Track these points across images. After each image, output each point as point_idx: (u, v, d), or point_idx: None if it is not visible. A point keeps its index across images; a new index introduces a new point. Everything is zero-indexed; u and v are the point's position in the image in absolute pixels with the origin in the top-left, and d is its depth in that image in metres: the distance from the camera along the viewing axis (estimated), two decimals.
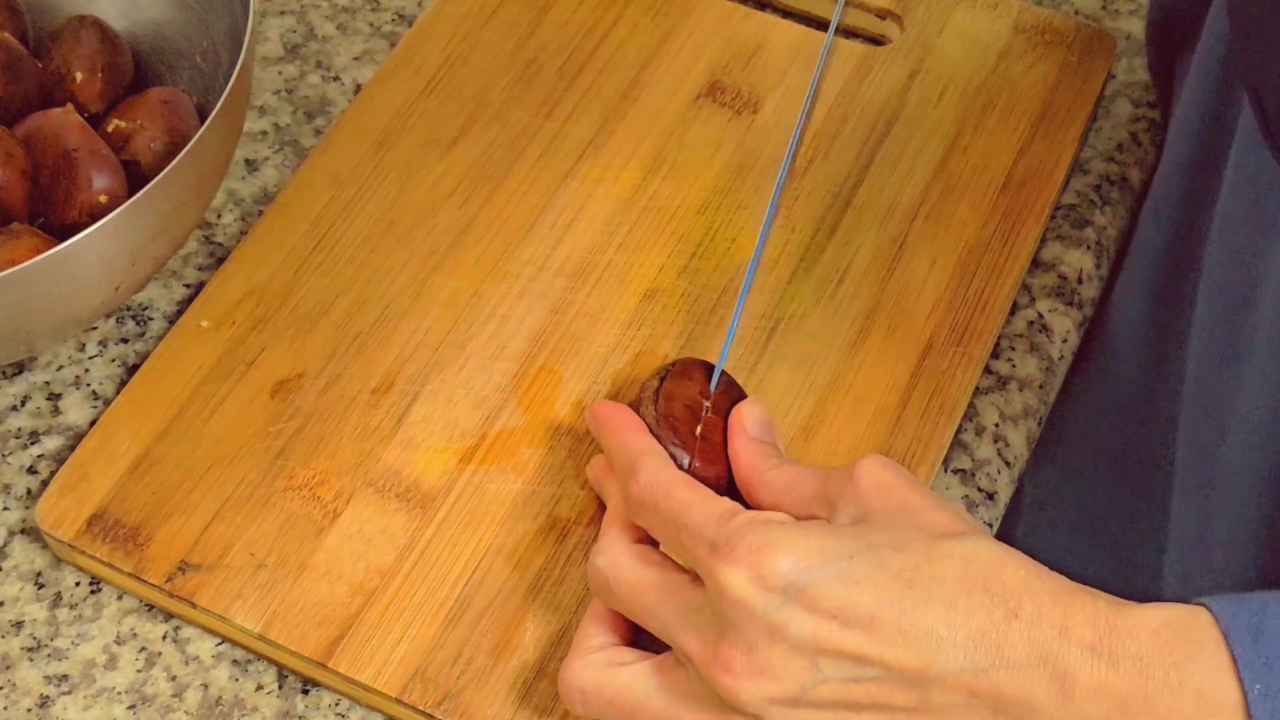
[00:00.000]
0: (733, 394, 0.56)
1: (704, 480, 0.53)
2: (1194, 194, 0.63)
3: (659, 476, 0.51)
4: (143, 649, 0.56)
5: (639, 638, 0.52)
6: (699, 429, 0.54)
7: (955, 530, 0.47)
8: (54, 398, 0.62)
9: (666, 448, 0.53)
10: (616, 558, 0.51)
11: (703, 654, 0.47)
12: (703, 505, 0.49)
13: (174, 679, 0.55)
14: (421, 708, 0.53)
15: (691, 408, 0.55)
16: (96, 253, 0.55)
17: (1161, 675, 0.43)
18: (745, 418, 0.54)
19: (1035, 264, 0.66)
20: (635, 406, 0.55)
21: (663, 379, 0.56)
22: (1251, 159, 0.55)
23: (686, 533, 0.48)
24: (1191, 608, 0.44)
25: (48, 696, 0.55)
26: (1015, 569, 0.46)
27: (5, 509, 0.59)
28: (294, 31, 0.73)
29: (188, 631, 0.56)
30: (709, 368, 0.57)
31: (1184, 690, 0.43)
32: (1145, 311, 0.67)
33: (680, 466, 0.53)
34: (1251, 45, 0.53)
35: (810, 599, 0.45)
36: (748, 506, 0.50)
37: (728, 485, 0.54)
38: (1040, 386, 0.63)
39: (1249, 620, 0.43)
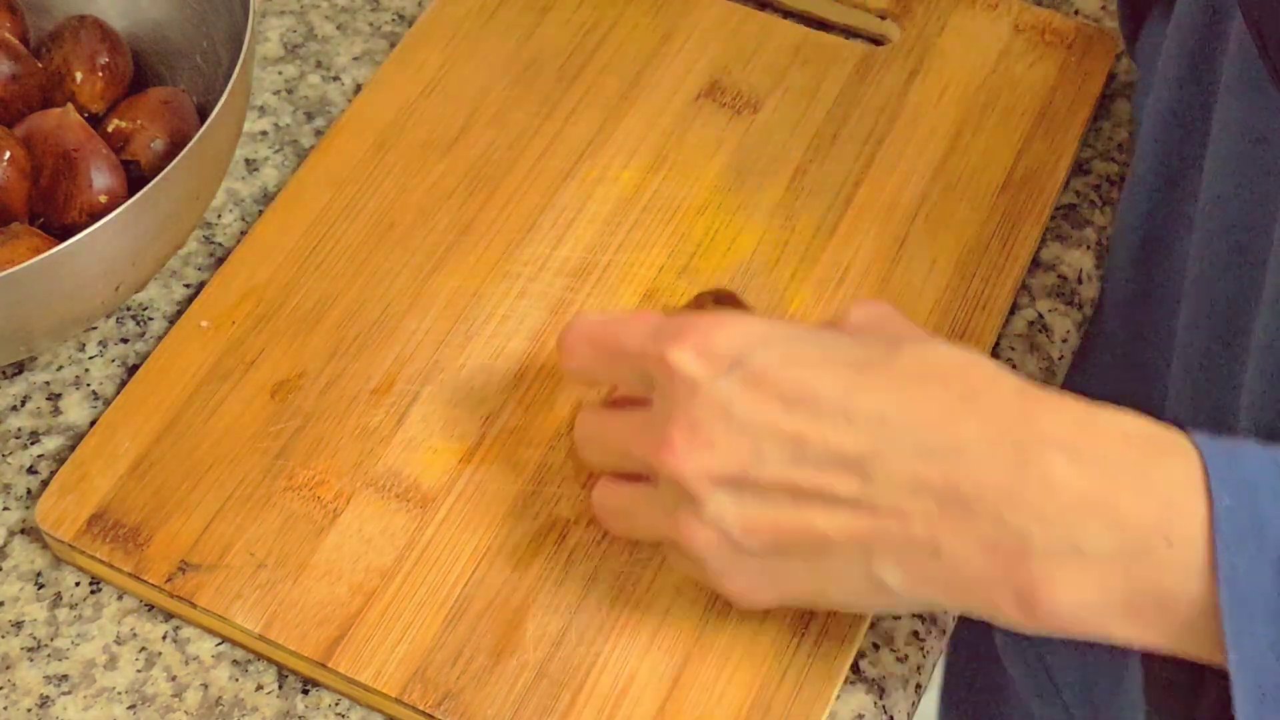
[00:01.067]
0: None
1: None
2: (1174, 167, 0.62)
3: (592, 314, 0.52)
4: (143, 649, 0.56)
5: None
6: None
7: (922, 335, 0.46)
8: (54, 398, 0.62)
9: None
10: (584, 417, 0.53)
11: (646, 443, 0.47)
12: (640, 315, 0.50)
13: (174, 679, 0.55)
14: (421, 708, 0.53)
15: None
16: (96, 253, 0.55)
17: (1128, 478, 0.41)
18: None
19: (1035, 264, 0.66)
20: None
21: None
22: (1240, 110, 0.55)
23: (627, 341, 0.49)
24: (1167, 426, 0.43)
25: (48, 696, 0.55)
26: (982, 368, 0.44)
27: (5, 509, 0.59)
28: (294, 31, 0.73)
29: (188, 631, 0.56)
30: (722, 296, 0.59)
31: (1149, 495, 0.41)
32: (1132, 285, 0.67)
33: None
34: None
35: (754, 374, 0.45)
36: None
37: None
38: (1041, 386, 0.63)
39: (1225, 445, 0.42)
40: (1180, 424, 0.43)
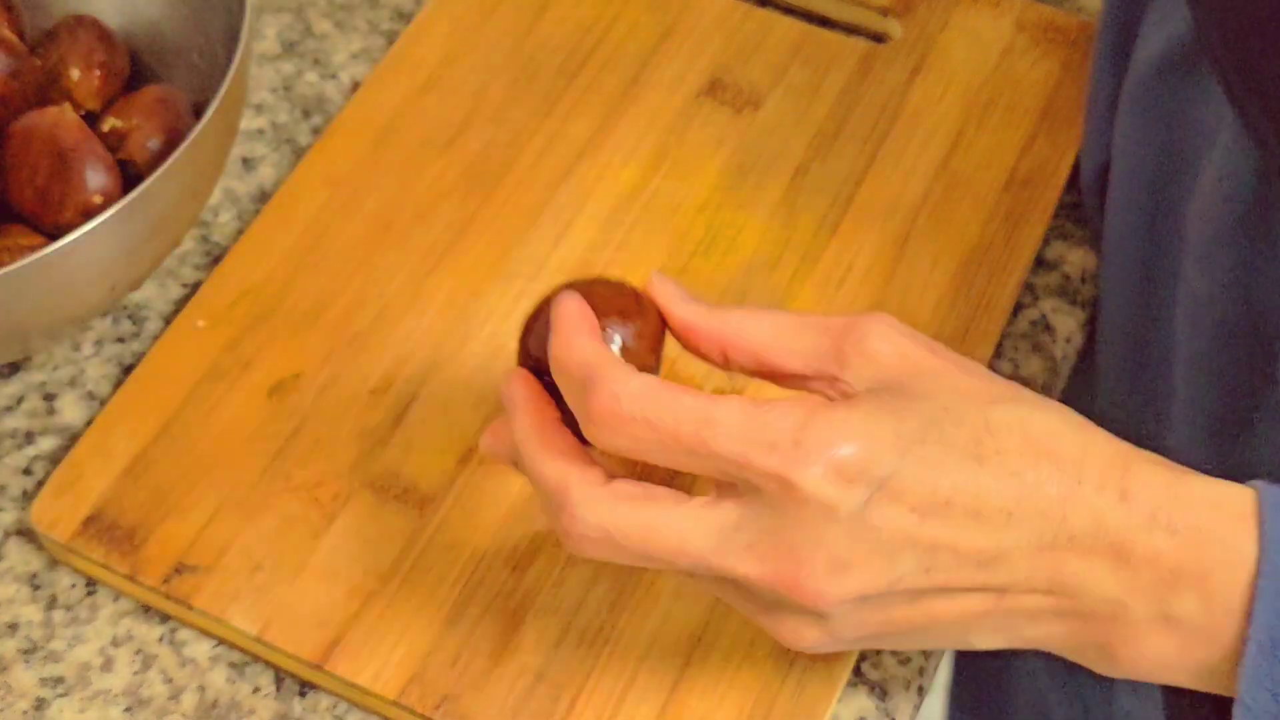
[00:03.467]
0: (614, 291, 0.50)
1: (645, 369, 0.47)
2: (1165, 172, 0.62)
3: (648, 386, 0.44)
4: (139, 651, 0.56)
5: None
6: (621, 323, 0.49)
7: (998, 395, 0.45)
8: (49, 398, 0.62)
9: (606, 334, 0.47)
10: (606, 507, 0.44)
11: (765, 570, 0.43)
12: (721, 406, 0.43)
13: (170, 681, 0.55)
14: (420, 710, 0.53)
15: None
16: (92, 252, 0.54)
17: (1219, 550, 0.43)
18: (670, 287, 0.49)
19: (1039, 263, 0.66)
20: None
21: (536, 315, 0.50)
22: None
23: (716, 441, 0.43)
24: (1244, 487, 0.44)
25: (43, 699, 0.55)
26: (1073, 432, 0.44)
27: (0, 510, 0.59)
28: (291, 29, 0.73)
29: (184, 633, 0.56)
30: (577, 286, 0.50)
31: (1239, 568, 0.43)
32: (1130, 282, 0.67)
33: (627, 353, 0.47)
34: (1214, 23, 0.53)
35: (893, 491, 0.43)
36: None
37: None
38: (1044, 386, 0.62)
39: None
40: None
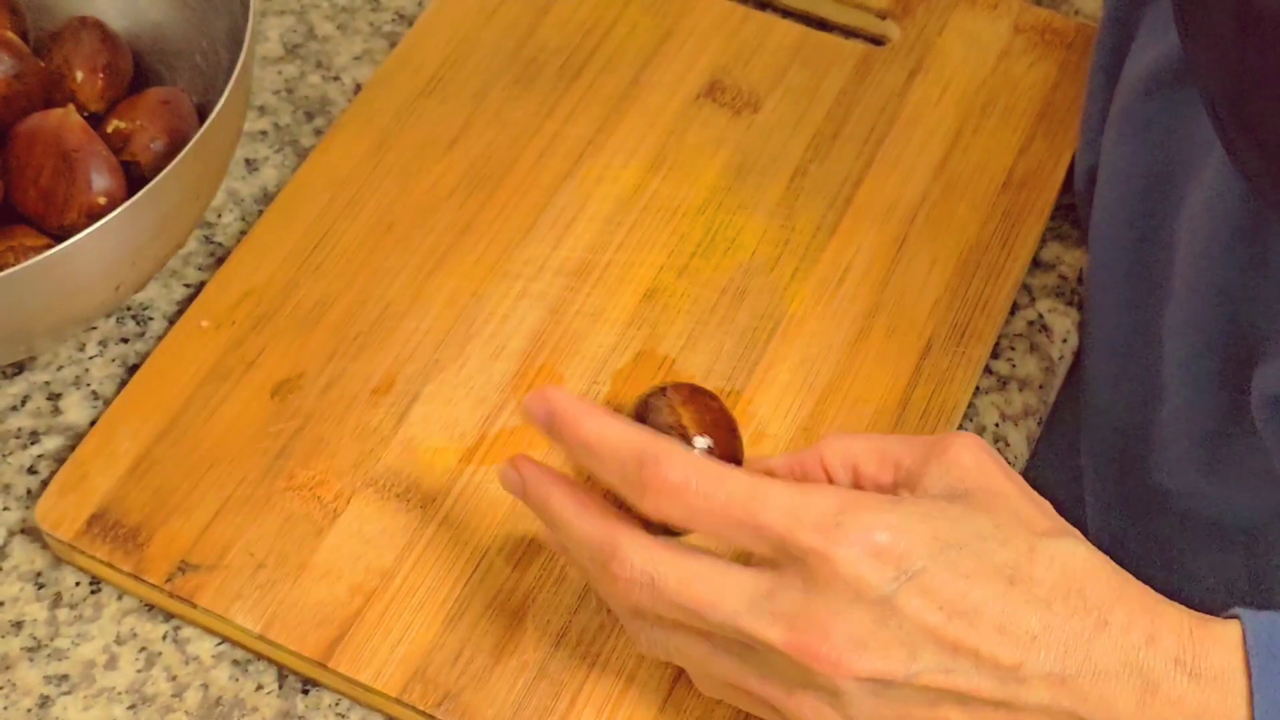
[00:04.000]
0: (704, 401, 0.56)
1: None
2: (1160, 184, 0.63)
3: (700, 462, 0.47)
4: (143, 649, 0.56)
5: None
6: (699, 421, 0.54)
7: (1050, 529, 0.47)
8: (54, 397, 0.62)
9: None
10: (651, 554, 0.47)
11: (791, 639, 0.45)
12: (773, 486, 0.46)
13: (174, 679, 0.55)
14: (421, 708, 0.53)
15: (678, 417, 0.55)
16: (96, 253, 0.55)
17: (1243, 686, 0.44)
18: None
19: (1035, 264, 0.66)
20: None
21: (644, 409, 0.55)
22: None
23: (765, 517, 0.46)
24: (1269, 619, 0.45)
25: (48, 696, 0.55)
26: (1108, 576, 0.46)
27: (5, 509, 0.59)
28: (294, 31, 0.73)
29: (188, 631, 0.56)
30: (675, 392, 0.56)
31: (1269, 707, 0.44)
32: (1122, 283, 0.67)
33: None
34: (1205, 53, 0.53)
35: (923, 585, 0.45)
36: None
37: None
38: (1040, 386, 0.63)
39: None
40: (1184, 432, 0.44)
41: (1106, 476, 0.69)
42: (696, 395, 0.55)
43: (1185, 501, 0.63)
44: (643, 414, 0.55)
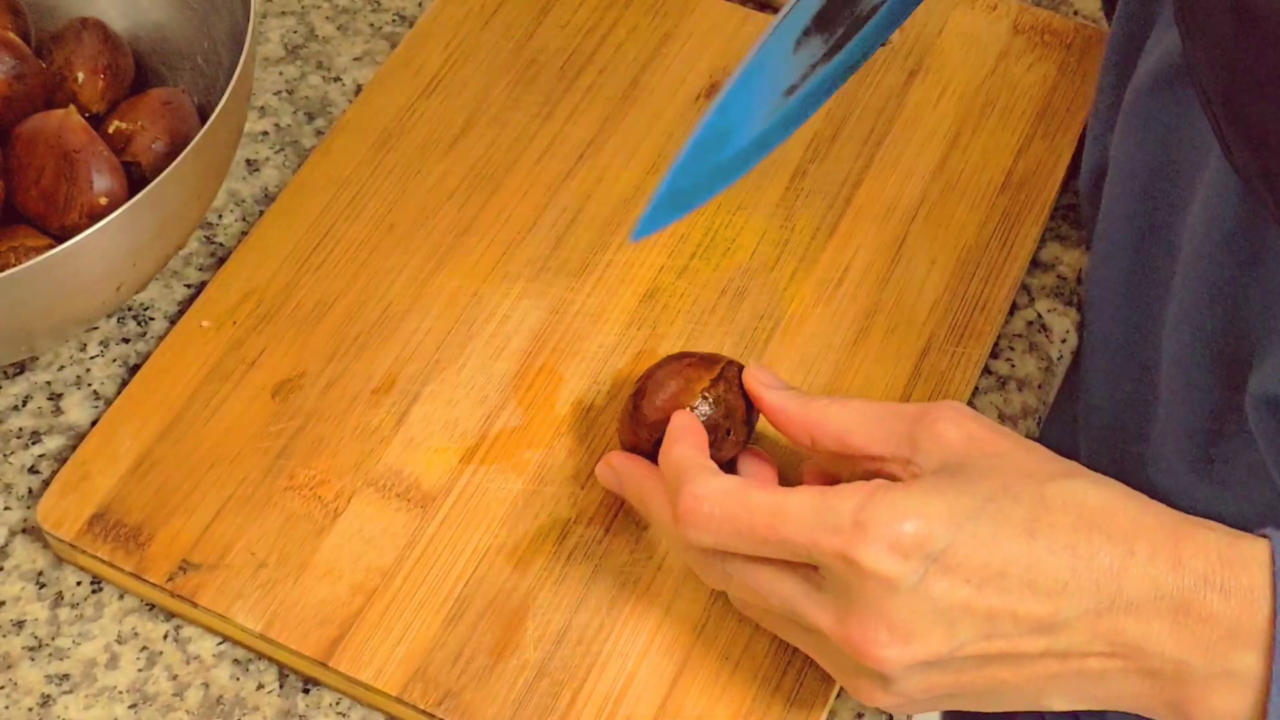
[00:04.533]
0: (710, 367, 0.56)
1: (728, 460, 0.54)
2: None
3: (724, 485, 0.50)
4: (144, 648, 0.56)
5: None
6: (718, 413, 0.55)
7: (1056, 472, 0.48)
8: (55, 397, 0.62)
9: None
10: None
11: (838, 630, 0.48)
12: (791, 497, 0.48)
13: (175, 678, 0.55)
14: (422, 707, 0.53)
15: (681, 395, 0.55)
16: (97, 253, 0.55)
17: (1265, 604, 0.45)
18: (762, 375, 0.55)
19: (1034, 264, 0.66)
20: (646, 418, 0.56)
21: (640, 392, 0.56)
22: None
23: (789, 530, 0.48)
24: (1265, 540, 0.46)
25: (49, 695, 0.55)
26: (1125, 506, 0.47)
27: (7, 509, 0.59)
28: (295, 32, 0.73)
29: (189, 631, 0.57)
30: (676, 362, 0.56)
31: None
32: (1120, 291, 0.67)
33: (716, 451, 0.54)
34: (1202, 52, 0.54)
35: (948, 564, 0.46)
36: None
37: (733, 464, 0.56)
38: (1039, 386, 0.63)
39: None
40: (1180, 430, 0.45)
41: (1102, 474, 0.69)
42: (687, 367, 0.56)
43: (1177, 501, 0.63)
44: (642, 392, 0.56)
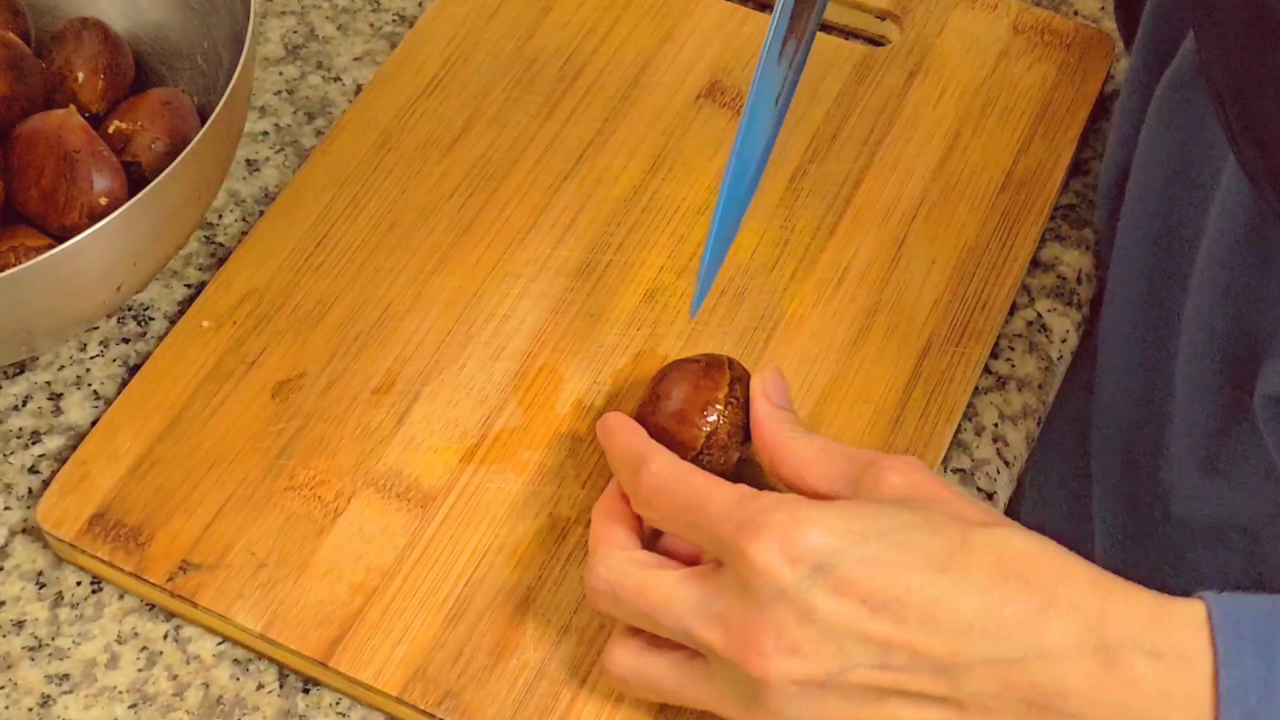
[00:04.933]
0: (725, 372, 0.56)
1: (717, 469, 0.54)
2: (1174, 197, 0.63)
3: (671, 466, 0.51)
4: (144, 648, 0.56)
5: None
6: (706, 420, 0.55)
7: (987, 520, 0.47)
8: (55, 397, 0.62)
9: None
10: (618, 564, 0.50)
11: (728, 640, 0.46)
12: (721, 488, 0.49)
13: (175, 678, 0.56)
14: (422, 707, 0.53)
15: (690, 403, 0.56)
16: (97, 253, 0.55)
17: (1207, 667, 0.43)
18: (767, 384, 0.55)
19: (1034, 264, 0.66)
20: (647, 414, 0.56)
21: (659, 387, 0.56)
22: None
23: (707, 515, 0.48)
24: (1232, 599, 0.44)
25: (49, 696, 0.55)
26: (1050, 557, 0.45)
27: (6, 509, 0.59)
28: (295, 32, 0.73)
29: (189, 631, 0.57)
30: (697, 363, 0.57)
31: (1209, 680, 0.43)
32: (1136, 302, 0.67)
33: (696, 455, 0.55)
34: (1214, 51, 0.54)
35: (838, 580, 0.45)
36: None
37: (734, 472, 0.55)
38: (1039, 386, 0.63)
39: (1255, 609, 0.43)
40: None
41: (1112, 473, 0.69)
42: (693, 374, 0.56)
43: (1185, 500, 0.63)
44: (655, 395, 0.56)
